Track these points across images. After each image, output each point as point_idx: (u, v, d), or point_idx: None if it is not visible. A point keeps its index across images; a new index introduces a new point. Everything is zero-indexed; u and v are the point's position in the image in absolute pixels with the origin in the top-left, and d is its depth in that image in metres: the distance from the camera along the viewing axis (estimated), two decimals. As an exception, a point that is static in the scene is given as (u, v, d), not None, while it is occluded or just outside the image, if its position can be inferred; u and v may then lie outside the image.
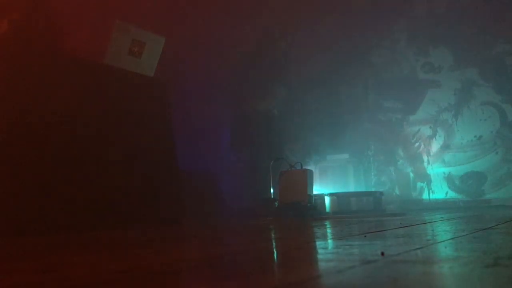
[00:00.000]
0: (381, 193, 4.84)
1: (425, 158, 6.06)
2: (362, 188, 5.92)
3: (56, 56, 3.14)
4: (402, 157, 6.24)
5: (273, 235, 2.40)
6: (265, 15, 5.30)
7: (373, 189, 5.84)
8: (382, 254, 1.17)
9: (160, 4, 4.41)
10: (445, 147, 5.94)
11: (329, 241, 1.84)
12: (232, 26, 5.06)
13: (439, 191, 5.92)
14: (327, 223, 3.14)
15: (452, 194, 5.83)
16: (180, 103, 4.21)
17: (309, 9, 5.90)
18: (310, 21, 5.85)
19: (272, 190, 4.32)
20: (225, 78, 5.11)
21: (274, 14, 5.36)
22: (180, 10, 4.62)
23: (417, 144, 6.14)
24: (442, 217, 3.12)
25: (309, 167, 4.52)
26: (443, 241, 1.58)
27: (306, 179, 4.11)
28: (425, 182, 6.03)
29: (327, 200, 4.56)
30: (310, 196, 4.13)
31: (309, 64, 5.92)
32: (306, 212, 4.06)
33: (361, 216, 3.94)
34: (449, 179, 5.87)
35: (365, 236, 1.85)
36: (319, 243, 1.73)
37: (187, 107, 4.57)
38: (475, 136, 5.76)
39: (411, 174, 6.15)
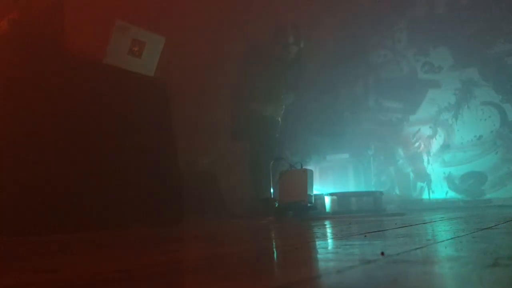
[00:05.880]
0: (381, 193, 4.84)
1: (425, 158, 6.06)
2: (362, 188, 5.91)
3: (56, 56, 3.14)
4: (402, 157, 6.24)
5: (273, 235, 2.40)
6: (273, 16, 5.28)
7: (373, 189, 5.83)
8: (382, 254, 1.17)
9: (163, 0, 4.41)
10: (445, 147, 5.94)
11: (329, 241, 1.84)
12: (242, 24, 5.04)
13: (439, 191, 5.91)
14: (327, 223, 3.14)
15: (452, 194, 5.83)
16: (180, 102, 4.21)
17: (310, 9, 5.90)
18: (312, 21, 5.85)
19: (272, 190, 4.32)
20: (229, 78, 5.10)
21: (281, 13, 5.34)
22: (185, 5, 4.61)
23: (417, 144, 6.14)
24: (442, 217, 3.13)
25: (309, 167, 4.52)
26: (443, 241, 1.58)
27: (306, 179, 4.11)
28: (425, 182, 6.02)
29: (327, 200, 4.56)
30: (310, 196, 4.13)
31: (310, 65, 5.92)
32: (306, 212, 4.06)
33: (361, 216, 3.94)
34: (449, 179, 5.87)
35: (365, 236, 1.85)
36: (319, 243, 1.73)
37: (187, 107, 4.57)
38: (475, 136, 5.76)
39: (411, 174, 6.15)
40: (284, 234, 2.43)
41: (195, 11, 4.70)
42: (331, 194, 4.62)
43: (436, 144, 6.01)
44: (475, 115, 5.78)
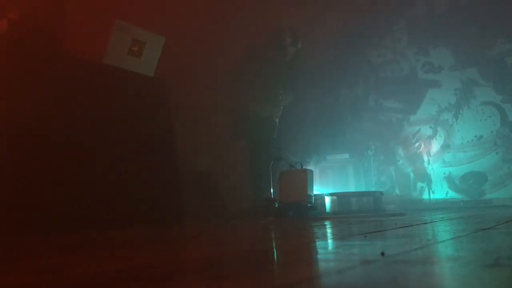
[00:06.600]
0: (381, 193, 4.84)
1: (425, 158, 6.06)
2: (362, 188, 5.91)
3: (56, 56, 3.14)
4: (402, 157, 6.24)
5: (273, 235, 2.40)
6: (271, 16, 5.27)
7: (373, 189, 5.83)
8: (382, 254, 1.17)
9: (162, 1, 4.41)
10: (446, 147, 5.94)
11: (329, 241, 1.84)
12: (241, 25, 5.04)
13: (440, 191, 5.91)
14: (327, 223, 3.14)
15: (452, 194, 5.83)
16: (180, 103, 4.21)
17: (309, 9, 5.90)
18: (312, 21, 5.85)
19: (272, 190, 4.32)
20: (228, 79, 5.10)
21: (280, 13, 5.34)
22: (183, 7, 4.61)
23: (417, 144, 6.14)
24: (443, 217, 3.12)
25: (309, 167, 4.51)
26: (444, 241, 1.58)
27: (306, 179, 4.11)
28: (425, 182, 6.02)
29: (327, 200, 4.55)
30: (310, 196, 4.13)
31: (310, 65, 5.91)
32: (306, 212, 4.05)
33: (361, 216, 3.94)
34: (449, 179, 5.87)
35: (365, 236, 1.85)
36: (319, 243, 1.73)
37: (187, 107, 4.57)
38: (475, 136, 5.76)
39: (411, 174, 6.15)
40: (284, 234, 2.43)
41: (193, 13, 4.70)
42: (331, 194, 4.62)
43: (436, 144, 6.01)
44: (475, 115, 5.78)
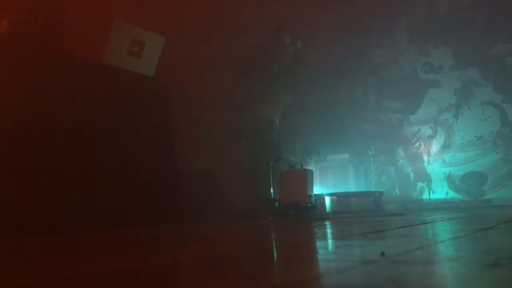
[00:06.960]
0: (381, 193, 4.84)
1: (425, 158, 6.06)
2: (362, 188, 5.91)
3: (56, 56, 3.14)
4: (402, 157, 6.23)
5: (273, 235, 2.40)
6: (271, 14, 5.27)
7: (373, 189, 5.83)
8: (382, 254, 1.17)
9: (161, 2, 4.41)
10: (446, 147, 5.93)
11: (329, 241, 1.84)
12: (241, 25, 5.03)
13: (440, 191, 5.91)
14: (327, 223, 3.14)
15: (452, 194, 5.83)
16: (180, 102, 4.21)
17: (309, 9, 5.90)
18: (311, 21, 5.85)
19: (272, 190, 4.32)
20: (227, 79, 5.10)
21: (279, 12, 5.34)
22: (184, 8, 4.61)
23: (417, 144, 6.14)
24: (443, 217, 3.12)
25: (309, 167, 4.51)
26: (444, 241, 1.58)
27: (306, 179, 4.11)
28: (426, 182, 6.02)
29: (327, 200, 4.55)
30: (310, 196, 4.13)
31: (310, 65, 5.91)
32: (306, 212, 4.06)
33: (361, 216, 3.94)
34: (449, 179, 5.87)
35: (365, 236, 1.85)
36: (319, 243, 1.73)
37: (187, 107, 4.57)
38: (475, 136, 5.75)
39: (411, 174, 6.14)
40: (284, 235, 2.43)
41: (192, 13, 4.70)
42: (331, 194, 4.62)
43: (436, 144, 6.01)
44: (475, 115, 5.78)
